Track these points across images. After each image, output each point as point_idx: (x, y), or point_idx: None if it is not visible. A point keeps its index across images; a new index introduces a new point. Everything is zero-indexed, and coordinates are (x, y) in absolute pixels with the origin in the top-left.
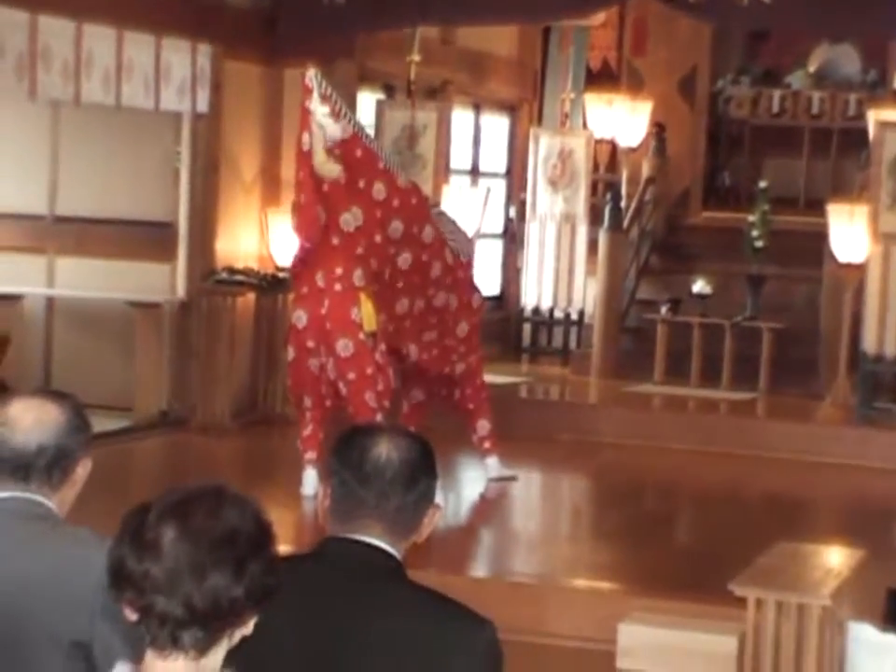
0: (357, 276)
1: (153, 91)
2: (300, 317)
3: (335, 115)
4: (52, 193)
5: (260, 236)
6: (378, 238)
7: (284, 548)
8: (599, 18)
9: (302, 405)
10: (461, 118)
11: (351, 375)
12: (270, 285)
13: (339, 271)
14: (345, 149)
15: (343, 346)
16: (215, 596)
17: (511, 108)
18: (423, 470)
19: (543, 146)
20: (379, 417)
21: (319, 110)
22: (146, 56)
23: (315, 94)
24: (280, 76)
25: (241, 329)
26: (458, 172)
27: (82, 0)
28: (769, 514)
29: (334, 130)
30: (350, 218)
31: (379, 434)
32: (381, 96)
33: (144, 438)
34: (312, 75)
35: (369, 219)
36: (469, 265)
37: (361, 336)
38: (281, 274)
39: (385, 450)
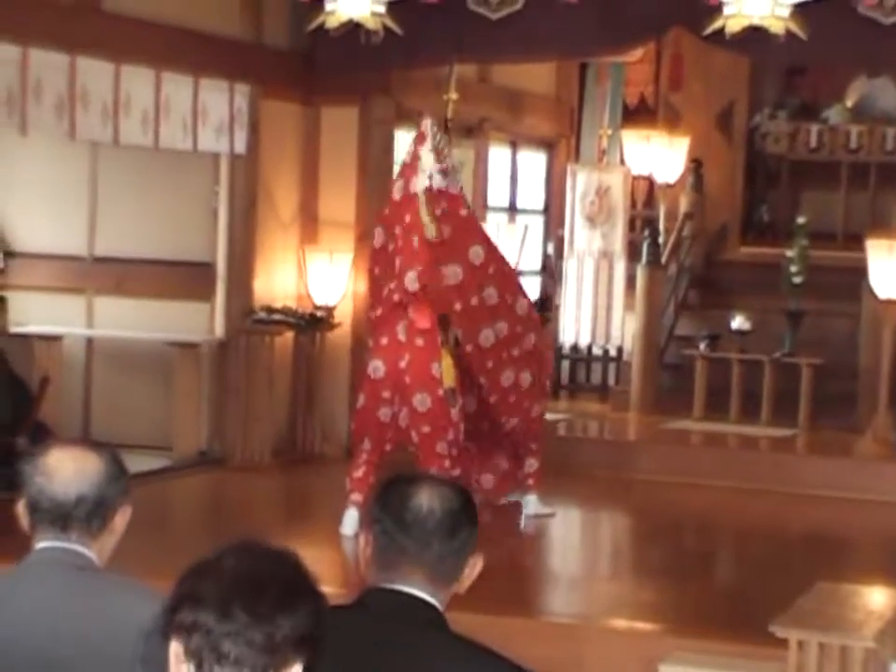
0: (451, 333)
1: (191, 132)
2: (377, 368)
3: (443, 171)
4: (91, 234)
5: (298, 275)
6: (475, 301)
7: (324, 587)
8: (636, 53)
9: (361, 446)
10: (498, 154)
11: (425, 429)
12: (308, 323)
13: (425, 324)
14: (452, 206)
15: (421, 401)
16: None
17: (548, 145)
18: (464, 520)
19: (581, 182)
20: (447, 464)
21: (428, 158)
22: (183, 97)
23: (429, 142)
24: (317, 114)
25: (279, 368)
26: (496, 209)
27: (120, 41)
28: (810, 552)
29: (436, 182)
30: (451, 274)
31: (420, 483)
32: None
33: (183, 477)
34: (429, 124)
35: (467, 280)
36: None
37: (440, 392)
38: (319, 313)
39: (426, 499)
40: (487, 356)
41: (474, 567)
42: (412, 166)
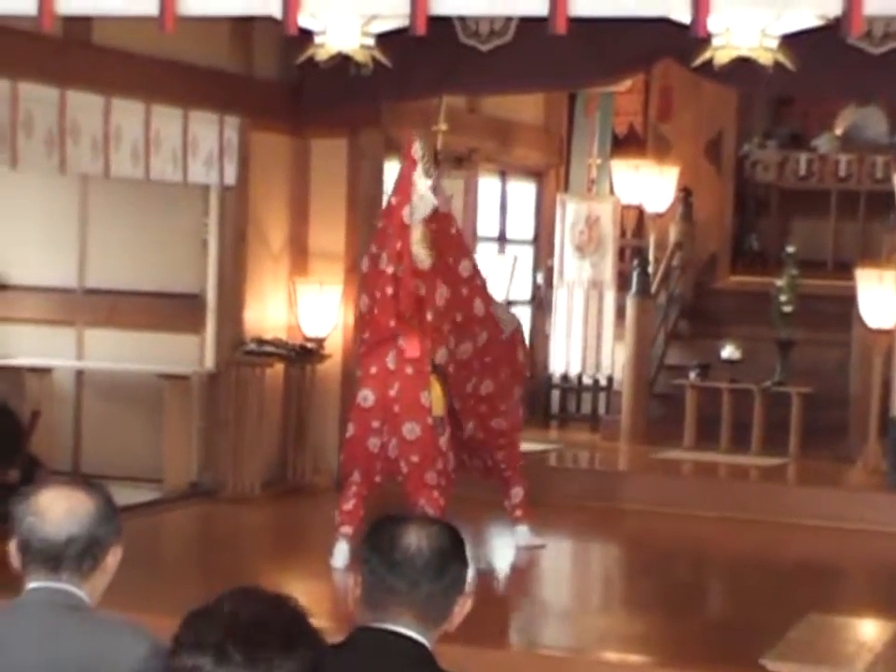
0: (441, 355)
1: (181, 164)
2: (366, 397)
3: (434, 189)
4: (81, 266)
5: (289, 306)
6: (459, 317)
7: (314, 621)
8: (625, 84)
9: (350, 478)
10: (488, 185)
11: (414, 458)
12: (298, 355)
13: (415, 353)
14: (440, 226)
15: (410, 430)
16: None
17: (537, 175)
18: (453, 559)
19: (570, 212)
20: (436, 495)
21: (422, 183)
22: (173, 129)
23: (420, 167)
24: (307, 146)
25: (270, 399)
26: (486, 239)
27: (110, 75)
28: (800, 583)
29: (428, 205)
30: (442, 294)
31: (409, 523)
32: None
33: (173, 509)
34: (418, 146)
35: (454, 297)
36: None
37: (429, 420)
38: (309, 345)
39: (415, 538)
40: (467, 368)
41: (464, 605)
42: (404, 192)
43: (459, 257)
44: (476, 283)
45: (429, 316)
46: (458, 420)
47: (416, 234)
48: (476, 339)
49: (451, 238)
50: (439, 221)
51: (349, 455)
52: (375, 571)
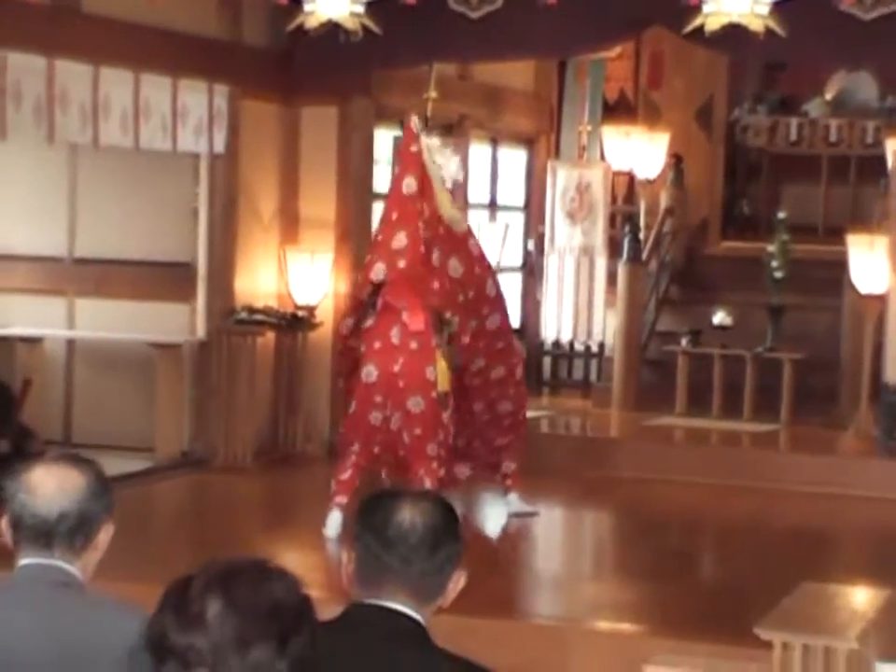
0: (456, 323)
1: (170, 133)
2: (369, 372)
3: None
4: (71, 235)
5: (279, 275)
6: (471, 293)
7: (307, 591)
8: (615, 50)
9: (349, 449)
10: (479, 152)
11: (417, 430)
12: (289, 323)
13: (419, 326)
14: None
15: (415, 403)
16: (257, 670)
17: (528, 141)
18: (447, 535)
19: (561, 178)
20: (434, 465)
21: (435, 148)
22: (163, 98)
23: (424, 137)
24: (297, 114)
25: (261, 368)
26: (477, 206)
27: (99, 43)
28: (793, 549)
29: (454, 170)
30: (457, 265)
31: (403, 499)
32: (398, 133)
33: (165, 479)
34: (415, 121)
35: (467, 273)
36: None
37: (434, 395)
38: (300, 313)
39: (408, 515)
40: (471, 345)
41: (458, 582)
42: (408, 164)
43: (469, 233)
44: (486, 264)
45: (436, 285)
46: (466, 398)
47: (445, 203)
48: (485, 320)
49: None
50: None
51: (350, 428)
52: (369, 548)
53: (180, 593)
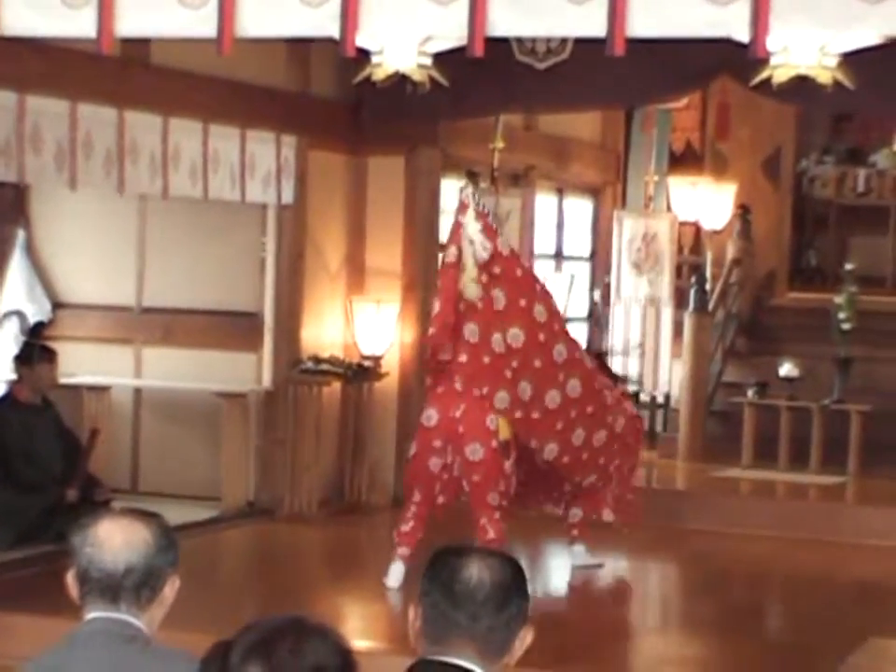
0: (500, 399)
1: (239, 183)
2: (430, 416)
3: (488, 232)
4: (139, 284)
5: (346, 325)
6: (538, 363)
7: (368, 642)
8: (682, 100)
9: (411, 499)
10: (545, 202)
11: (476, 478)
12: (355, 374)
13: (484, 390)
14: (506, 267)
15: (473, 451)
16: None
17: (594, 192)
18: (514, 591)
19: (627, 228)
20: (497, 516)
21: (472, 226)
22: (231, 148)
23: (471, 210)
24: (364, 164)
25: (327, 418)
26: (543, 256)
27: (168, 94)
28: (861, 604)
29: (483, 249)
30: (500, 339)
31: (470, 555)
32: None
33: (231, 528)
34: (469, 192)
35: (530, 341)
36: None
37: (494, 444)
38: (366, 363)
39: (476, 571)
40: (555, 416)
41: (524, 639)
42: (455, 234)
43: (532, 300)
44: (554, 327)
45: (486, 360)
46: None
47: (470, 275)
48: (564, 386)
49: (518, 280)
50: (503, 264)
51: (410, 473)
52: (436, 604)
53: (220, 661)
